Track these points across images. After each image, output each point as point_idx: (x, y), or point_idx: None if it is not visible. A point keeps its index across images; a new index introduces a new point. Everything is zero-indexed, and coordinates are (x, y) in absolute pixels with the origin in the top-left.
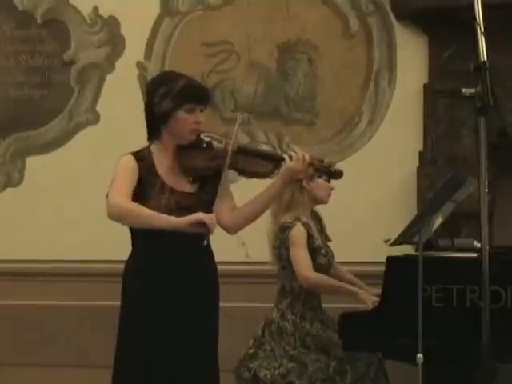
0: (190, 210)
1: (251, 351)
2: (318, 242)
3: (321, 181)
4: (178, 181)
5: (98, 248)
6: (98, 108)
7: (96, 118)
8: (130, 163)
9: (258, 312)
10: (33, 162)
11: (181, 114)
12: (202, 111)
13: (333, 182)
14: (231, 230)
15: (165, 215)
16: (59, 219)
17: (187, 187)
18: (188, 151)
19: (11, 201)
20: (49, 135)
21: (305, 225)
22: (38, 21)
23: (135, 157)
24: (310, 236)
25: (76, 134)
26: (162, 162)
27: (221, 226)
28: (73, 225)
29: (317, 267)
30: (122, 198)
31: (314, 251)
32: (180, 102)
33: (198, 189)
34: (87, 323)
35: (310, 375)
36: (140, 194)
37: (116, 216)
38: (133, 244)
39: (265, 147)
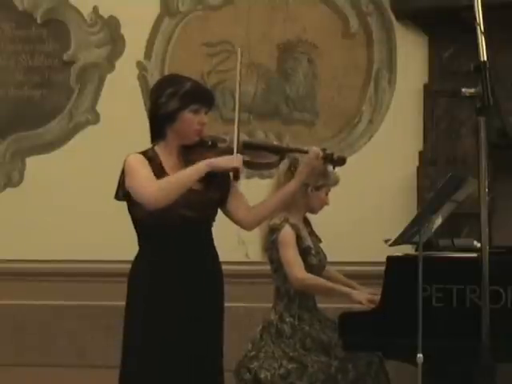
0: (198, 208)
1: (251, 354)
2: (308, 242)
3: (323, 194)
4: None
5: (98, 248)
6: (97, 108)
7: (96, 118)
8: (142, 159)
9: (258, 312)
10: (33, 162)
11: (186, 115)
12: (206, 113)
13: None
14: (250, 227)
15: (193, 167)
16: (59, 219)
17: (194, 185)
18: (193, 150)
19: (11, 201)
20: (49, 135)
21: (293, 226)
22: (38, 21)
23: (143, 156)
24: (298, 237)
25: (76, 133)
26: (168, 161)
27: (239, 224)
28: (73, 225)
29: (308, 267)
30: (153, 185)
31: (303, 252)
32: (186, 103)
33: (204, 186)
34: (87, 323)
35: (310, 376)
36: None
37: (165, 198)
38: (140, 245)
39: (268, 140)
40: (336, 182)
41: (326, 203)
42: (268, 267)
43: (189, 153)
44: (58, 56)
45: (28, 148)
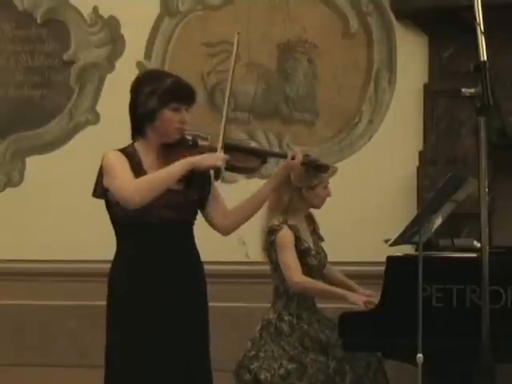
0: (177, 208)
1: (251, 354)
2: (307, 243)
3: (320, 190)
4: None
5: (97, 248)
6: (97, 108)
7: (96, 118)
8: (121, 157)
9: (258, 312)
10: (33, 162)
11: (166, 113)
12: (187, 110)
13: (333, 181)
14: (226, 232)
15: (173, 165)
16: (59, 219)
17: (174, 185)
18: (174, 149)
19: (11, 201)
20: (49, 135)
21: (292, 227)
22: (38, 21)
23: (122, 153)
24: (297, 238)
25: (76, 133)
26: (148, 160)
27: (215, 228)
28: (73, 225)
29: (307, 268)
30: (130, 184)
31: (302, 253)
32: (166, 101)
33: (184, 186)
34: (87, 323)
35: (310, 376)
36: None
37: (144, 198)
38: (118, 244)
39: (251, 143)
40: (333, 174)
41: (328, 195)
42: (268, 267)
43: (169, 151)
44: (58, 56)
45: (28, 148)
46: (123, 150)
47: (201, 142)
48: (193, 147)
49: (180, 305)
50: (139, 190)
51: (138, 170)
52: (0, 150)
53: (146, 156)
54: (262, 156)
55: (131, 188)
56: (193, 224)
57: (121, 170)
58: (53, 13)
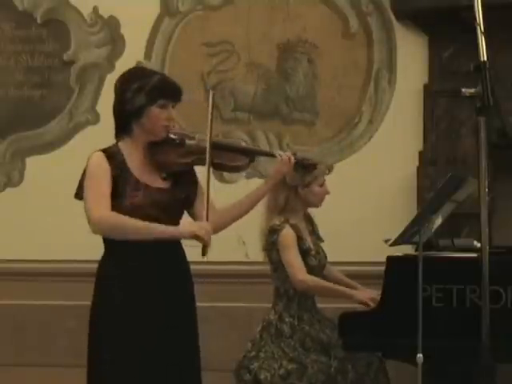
0: (164, 207)
1: (251, 354)
2: (308, 243)
3: (316, 188)
4: (151, 177)
5: (98, 248)
6: (97, 108)
7: (96, 118)
8: (102, 163)
9: (258, 312)
10: (33, 162)
11: (154, 110)
12: (173, 107)
13: (333, 181)
14: (214, 231)
15: (157, 225)
16: (59, 219)
17: (161, 183)
18: (161, 148)
19: (11, 201)
20: (49, 135)
21: (293, 227)
22: (38, 21)
23: (105, 154)
24: (299, 238)
25: (76, 133)
26: (133, 159)
27: None
28: (73, 225)
29: (308, 269)
30: (105, 210)
31: (303, 253)
32: (153, 98)
33: (171, 185)
34: (87, 323)
35: (310, 376)
36: (114, 191)
37: (108, 232)
38: (106, 246)
39: (240, 142)
40: (329, 170)
41: (326, 193)
42: (268, 267)
43: (155, 150)
44: (58, 56)
45: (28, 148)
46: (106, 150)
47: (188, 141)
48: (179, 146)
49: (174, 309)
50: (114, 225)
51: (121, 168)
52: (0, 150)
53: (131, 155)
54: (249, 155)
55: (105, 216)
56: (179, 223)
57: (98, 185)
58: (53, 13)
